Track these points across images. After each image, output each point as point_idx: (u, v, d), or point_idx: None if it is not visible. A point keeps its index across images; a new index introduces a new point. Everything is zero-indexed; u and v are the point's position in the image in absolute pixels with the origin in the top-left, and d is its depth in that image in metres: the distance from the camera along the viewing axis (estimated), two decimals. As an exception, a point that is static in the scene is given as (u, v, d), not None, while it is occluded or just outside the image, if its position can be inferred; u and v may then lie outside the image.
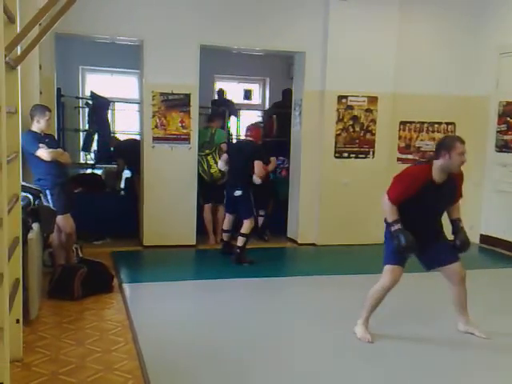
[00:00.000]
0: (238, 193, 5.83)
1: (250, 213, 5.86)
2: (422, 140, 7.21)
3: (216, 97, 9.65)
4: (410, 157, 7.15)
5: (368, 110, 6.81)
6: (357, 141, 6.84)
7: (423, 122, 7.19)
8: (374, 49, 6.65)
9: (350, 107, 6.76)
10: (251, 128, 6.18)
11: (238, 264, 5.77)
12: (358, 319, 3.85)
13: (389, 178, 6.81)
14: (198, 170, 6.62)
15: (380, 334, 3.86)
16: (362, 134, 6.84)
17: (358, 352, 3.68)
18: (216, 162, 6.55)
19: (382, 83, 6.76)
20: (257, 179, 5.78)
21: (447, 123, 7.22)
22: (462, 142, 3.65)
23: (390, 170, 6.97)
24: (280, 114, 8.19)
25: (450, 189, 3.74)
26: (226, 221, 6.16)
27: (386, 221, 3.83)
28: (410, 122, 7.14)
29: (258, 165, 5.74)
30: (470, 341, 3.87)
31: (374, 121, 6.86)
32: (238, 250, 5.83)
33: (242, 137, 7.52)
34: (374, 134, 6.88)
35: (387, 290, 3.72)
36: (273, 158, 6.41)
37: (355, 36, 6.58)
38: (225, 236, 6.23)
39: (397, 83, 6.82)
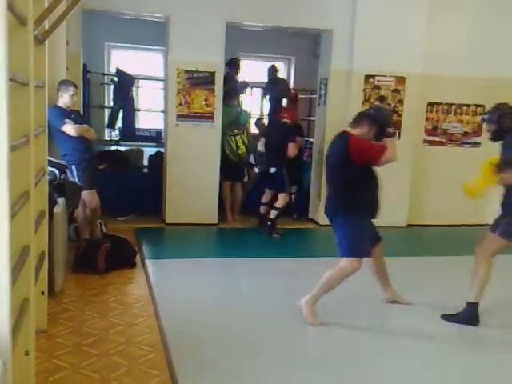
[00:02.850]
0: (273, 169, 6.26)
1: (284, 187, 6.26)
2: (449, 122, 7.07)
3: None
4: (436, 139, 7.04)
5: (395, 91, 6.68)
6: (383, 122, 6.72)
7: (451, 104, 7.04)
8: (404, 28, 6.49)
9: (377, 87, 6.64)
10: (288, 110, 6.50)
11: (269, 235, 6.13)
12: (307, 297, 3.73)
13: (414, 160, 6.86)
14: (225, 150, 6.63)
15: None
16: (388, 115, 6.73)
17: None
18: (244, 143, 6.70)
19: (411, 63, 6.61)
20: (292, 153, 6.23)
21: (476, 105, 7.06)
22: None
23: (416, 152, 6.91)
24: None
25: None
26: (266, 195, 6.53)
27: (335, 211, 3.75)
28: (438, 104, 6.99)
29: (291, 146, 6.18)
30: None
31: (401, 101, 6.73)
32: (269, 223, 6.20)
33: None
34: (400, 115, 6.76)
35: (344, 278, 3.67)
36: (299, 139, 6.66)
37: (384, 14, 6.42)
38: (262, 208, 6.55)
39: (426, 63, 6.66)
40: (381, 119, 3.76)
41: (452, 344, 3.63)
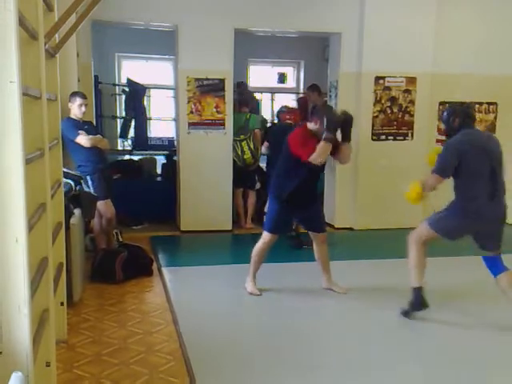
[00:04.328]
0: None
1: None
2: (462, 121, 7.00)
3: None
4: (449, 138, 6.97)
5: (406, 91, 6.65)
6: (395, 122, 6.70)
7: (463, 103, 6.96)
8: (412, 28, 6.47)
9: (388, 88, 6.62)
10: (291, 111, 6.30)
11: (298, 249, 5.78)
12: (247, 277, 4.39)
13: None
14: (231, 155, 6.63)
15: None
16: (400, 116, 6.70)
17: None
18: (250, 148, 6.60)
19: (421, 63, 6.58)
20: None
21: (489, 103, 7.00)
22: None
23: (429, 151, 6.85)
24: None
25: None
26: None
27: (271, 192, 4.29)
28: (450, 103, 6.93)
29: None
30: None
31: (412, 102, 6.70)
32: (294, 233, 5.88)
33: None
34: (412, 116, 6.73)
35: (264, 250, 4.34)
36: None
37: (392, 15, 6.41)
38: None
39: (436, 63, 6.62)
40: (325, 121, 3.94)
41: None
